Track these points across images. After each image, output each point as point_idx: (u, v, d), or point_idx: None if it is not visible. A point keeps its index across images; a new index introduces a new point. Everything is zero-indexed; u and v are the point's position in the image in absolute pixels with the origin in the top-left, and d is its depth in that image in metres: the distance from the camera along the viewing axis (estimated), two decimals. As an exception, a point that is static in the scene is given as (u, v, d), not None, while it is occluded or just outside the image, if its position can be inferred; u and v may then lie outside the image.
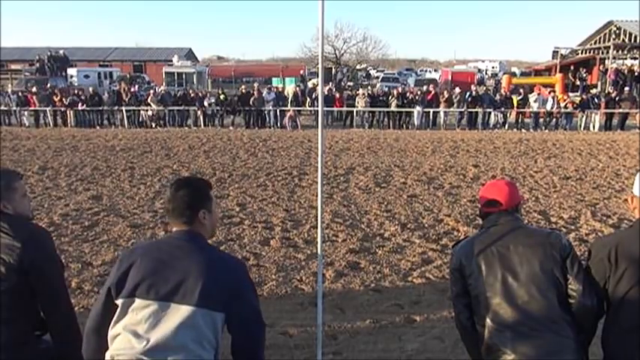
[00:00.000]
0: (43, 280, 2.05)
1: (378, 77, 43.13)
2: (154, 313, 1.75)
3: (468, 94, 19.15)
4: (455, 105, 19.16)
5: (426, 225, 6.88)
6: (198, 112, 19.19)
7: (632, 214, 2.27)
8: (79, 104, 19.25)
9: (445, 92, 20.00)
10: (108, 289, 1.83)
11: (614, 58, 28.69)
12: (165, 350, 1.70)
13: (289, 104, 19.43)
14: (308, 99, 21.00)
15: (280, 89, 22.93)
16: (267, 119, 19.22)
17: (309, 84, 29.42)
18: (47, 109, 19.42)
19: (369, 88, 25.62)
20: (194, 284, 1.78)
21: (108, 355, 1.76)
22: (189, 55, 48.28)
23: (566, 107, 19.20)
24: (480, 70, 48.48)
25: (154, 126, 18.85)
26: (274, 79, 35.10)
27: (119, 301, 1.79)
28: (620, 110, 19.04)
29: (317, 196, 3.09)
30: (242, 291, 1.88)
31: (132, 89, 20.51)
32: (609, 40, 29.85)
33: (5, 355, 1.98)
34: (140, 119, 19.33)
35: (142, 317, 1.74)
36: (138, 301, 1.77)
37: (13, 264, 1.99)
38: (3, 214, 2.08)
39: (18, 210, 2.15)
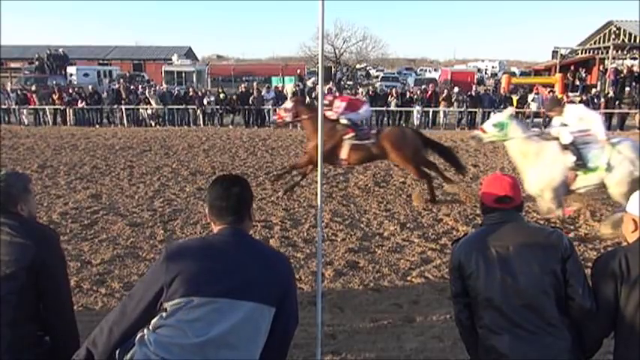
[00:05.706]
0: (51, 280, 2.08)
1: (377, 76, 43.09)
2: (213, 310, 1.73)
3: (468, 93, 19.15)
4: (454, 105, 19.15)
5: (425, 224, 6.88)
6: (198, 111, 19.18)
7: (626, 237, 2.15)
8: (79, 102, 19.24)
9: (445, 91, 20.00)
10: (160, 288, 1.78)
11: (613, 58, 28.69)
12: (219, 347, 1.70)
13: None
14: (307, 98, 20.98)
15: (280, 88, 22.91)
16: (267, 118, 19.21)
17: (309, 83, 29.38)
18: (47, 107, 19.40)
19: (370, 87, 25.58)
20: (254, 281, 1.79)
21: (150, 336, 1.72)
22: (189, 53, 48.11)
23: (565, 107, 19.17)
24: (479, 70, 48.38)
25: (153, 124, 18.83)
26: (274, 78, 35.03)
27: (176, 300, 1.75)
28: (620, 110, 19.05)
29: (316, 195, 3.08)
30: (291, 287, 1.92)
31: (132, 87, 20.53)
32: (609, 40, 29.83)
33: (8, 357, 1.99)
34: (139, 118, 19.32)
35: (200, 314, 1.73)
36: (197, 300, 1.74)
37: (26, 264, 2.01)
38: (17, 215, 2.12)
39: (32, 212, 2.23)
